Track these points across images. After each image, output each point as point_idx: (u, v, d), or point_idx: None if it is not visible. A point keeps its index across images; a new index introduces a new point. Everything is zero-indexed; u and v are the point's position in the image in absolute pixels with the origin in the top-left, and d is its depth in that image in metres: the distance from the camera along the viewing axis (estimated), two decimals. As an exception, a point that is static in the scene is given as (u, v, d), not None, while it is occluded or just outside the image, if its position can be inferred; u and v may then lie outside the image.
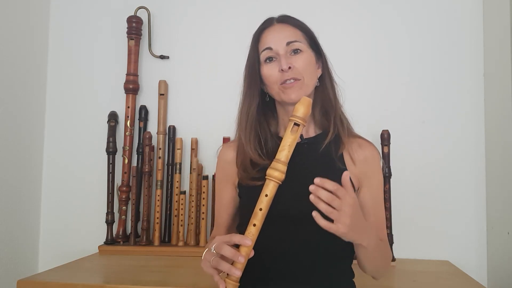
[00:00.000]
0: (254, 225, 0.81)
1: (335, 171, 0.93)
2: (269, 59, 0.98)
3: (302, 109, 0.85)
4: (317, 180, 0.77)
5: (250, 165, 0.99)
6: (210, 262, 0.81)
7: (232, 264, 0.80)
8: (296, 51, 0.98)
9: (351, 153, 0.99)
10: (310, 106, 0.86)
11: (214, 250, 0.81)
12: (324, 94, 1.02)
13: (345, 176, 0.79)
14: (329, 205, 0.76)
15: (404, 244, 1.57)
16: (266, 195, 0.82)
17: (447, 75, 1.64)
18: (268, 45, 0.98)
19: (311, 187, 0.77)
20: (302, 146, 1.00)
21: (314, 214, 0.76)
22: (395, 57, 1.67)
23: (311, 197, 0.77)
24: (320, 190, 0.77)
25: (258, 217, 0.82)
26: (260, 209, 0.81)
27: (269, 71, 0.98)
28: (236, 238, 0.80)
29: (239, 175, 1.01)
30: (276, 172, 0.83)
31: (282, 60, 0.96)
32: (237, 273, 0.79)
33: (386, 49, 1.68)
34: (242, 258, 0.79)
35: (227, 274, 0.81)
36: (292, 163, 0.96)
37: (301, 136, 1.01)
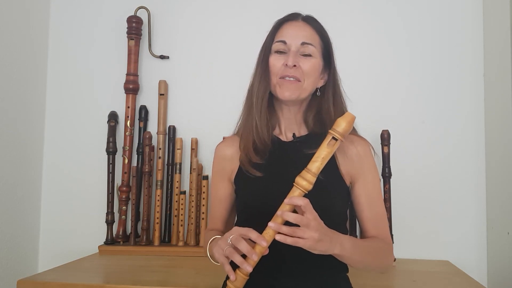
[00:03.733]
0: None
1: (325, 168, 0.94)
2: (279, 51, 0.99)
3: (344, 124, 0.84)
4: (285, 201, 0.82)
5: (253, 151, 1.00)
6: (223, 250, 0.83)
7: (245, 258, 0.82)
8: (307, 54, 0.98)
9: (343, 149, 1.00)
10: (352, 124, 0.86)
11: (230, 240, 0.83)
12: (323, 105, 1.02)
13: (305, 204, 0.81)
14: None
15: (404, 244, 1.57)
16: None
17: (447, 75, 1.64)
18: (283, 38, 0.99)
19: (270, 225, 0.81)
20: (295, 145, 1.02)
21: (278, 237, 0.80)
22: (396, 57, 1.67)
23: (271, 224, 0.81)
24: (286, 213, 0.80)
25: (278, 221, 0.82)
26: None
27: (274, 61, 0.99)
28: (253, 235, 0.82)
29: (240, 158, 1.02)
30: (304, 182, 0.84)
31: (290, 56, 0.97)
32: (249, 268, 0.81)
33: (387, 49, 1.68)
34: (255, 256, 0.80)
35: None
36: (284, 160, 0.97)
37: (294, 135, 1.03)
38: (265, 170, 0.99)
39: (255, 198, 0.99)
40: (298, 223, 0.79)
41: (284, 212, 0.81)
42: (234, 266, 0.84)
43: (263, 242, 0.81)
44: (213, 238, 0.96)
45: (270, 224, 0.81)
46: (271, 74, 1.00)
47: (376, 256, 0.96)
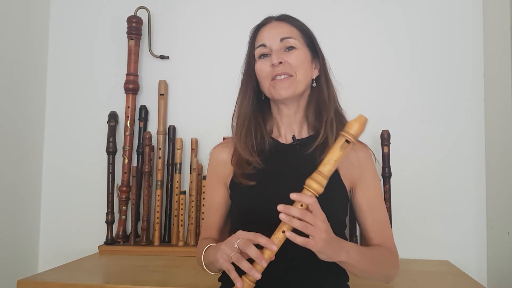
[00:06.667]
0: (283, 231, 0.78)
1: None
2: (264, 55, 0.99)
3: (357, 126, 0.80)
4: (293, 195, 0.77)
5: (246, 163, 0.98)
6: (228, 256, 0.79)
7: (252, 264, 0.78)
8: (290, 48, 0.98)
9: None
10: (365, 125, 0.81)
11: (237, 245, 0.79)
12: (319, 96, 1.01)
13: (313, 202, 0.77)
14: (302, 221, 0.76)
15: (404, 244, 1.56)
16: (301, 205, 0.78)
17: (447, 75, 1.64)
18: (262, 42, 0.99)
19: (280, 207, 0.76)
20: (294, 147, 0.99)
21: (288, 234, 0.76)
22: (396, 57, 1.67)
23: (282, 216, 0.75)
24: (290, 208, 0.76)
25: (288, 225, 0.78)
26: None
27: (261, 66, 0.99)
28: (263, 240, 0.77)
29: (233, 171, 1.00)
30: (316, 184, 0.79)
31: (273, 55, 0.96)
32: (257, 275, 0.77)
33: (387, 49, 1.67)
34: (265, 262, 0.77)
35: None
36: (283, 165, 0.95)
37: (293, 137, 1.01)
38: (263, 175, 0.96)
39: (251, 205, 0.95)
40: (303, 218, 0.75)
41: (291, 207, 0.76)
42: (240, 272, 0.79)
43: (273, 246, 0.76)
44: (208, 246, 0.93)
45: (282, 215, 0.75)
46: (261, 79, 0.99)
47: (381, 265, 0.93)
